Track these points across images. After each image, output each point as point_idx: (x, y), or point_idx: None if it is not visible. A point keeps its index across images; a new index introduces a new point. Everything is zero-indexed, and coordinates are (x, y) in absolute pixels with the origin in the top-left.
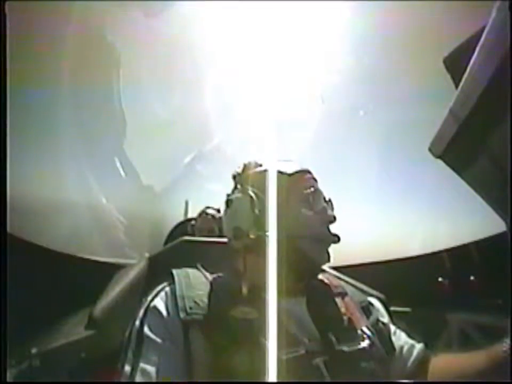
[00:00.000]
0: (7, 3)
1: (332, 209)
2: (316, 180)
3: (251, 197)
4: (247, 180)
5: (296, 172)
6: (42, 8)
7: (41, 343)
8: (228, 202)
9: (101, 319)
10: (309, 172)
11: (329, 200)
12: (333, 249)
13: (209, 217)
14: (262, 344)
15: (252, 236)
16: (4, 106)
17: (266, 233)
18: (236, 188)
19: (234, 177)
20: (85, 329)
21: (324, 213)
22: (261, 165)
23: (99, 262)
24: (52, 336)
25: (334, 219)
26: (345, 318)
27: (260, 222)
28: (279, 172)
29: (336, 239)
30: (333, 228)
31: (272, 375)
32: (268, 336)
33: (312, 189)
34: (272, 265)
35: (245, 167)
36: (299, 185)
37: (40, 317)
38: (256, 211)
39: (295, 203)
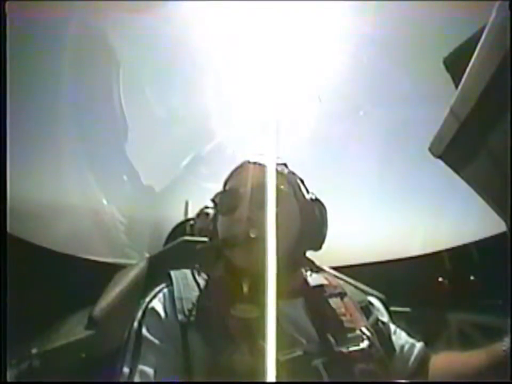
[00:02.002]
0: (7, 3)
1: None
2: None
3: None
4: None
5: None
6: (42, 8)
7: (41, 343)
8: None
9: (101, 319)
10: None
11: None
12: (333, 249)
13: (210, 216)
14: (259, 345)
15: (252, 236)
16: (4, 106)
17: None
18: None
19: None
20: (84, 329)
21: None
22: (255, 163)
23: (99, 262)
24: (52, 336)
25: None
26: (344, 318)
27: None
28: None
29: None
30: (333, 229)
31: (270, 375)
32: (265, 336)
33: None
34: (271, 266)
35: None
36: None
37: (40, 317)
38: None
39: None
